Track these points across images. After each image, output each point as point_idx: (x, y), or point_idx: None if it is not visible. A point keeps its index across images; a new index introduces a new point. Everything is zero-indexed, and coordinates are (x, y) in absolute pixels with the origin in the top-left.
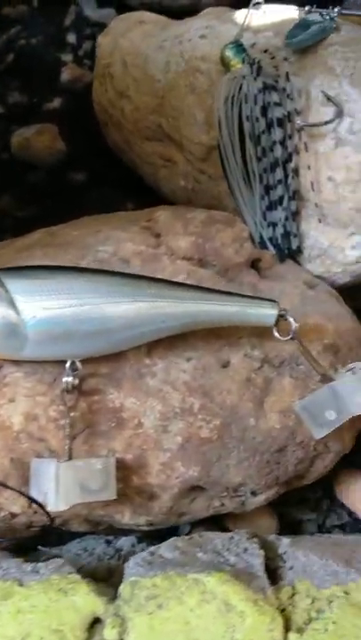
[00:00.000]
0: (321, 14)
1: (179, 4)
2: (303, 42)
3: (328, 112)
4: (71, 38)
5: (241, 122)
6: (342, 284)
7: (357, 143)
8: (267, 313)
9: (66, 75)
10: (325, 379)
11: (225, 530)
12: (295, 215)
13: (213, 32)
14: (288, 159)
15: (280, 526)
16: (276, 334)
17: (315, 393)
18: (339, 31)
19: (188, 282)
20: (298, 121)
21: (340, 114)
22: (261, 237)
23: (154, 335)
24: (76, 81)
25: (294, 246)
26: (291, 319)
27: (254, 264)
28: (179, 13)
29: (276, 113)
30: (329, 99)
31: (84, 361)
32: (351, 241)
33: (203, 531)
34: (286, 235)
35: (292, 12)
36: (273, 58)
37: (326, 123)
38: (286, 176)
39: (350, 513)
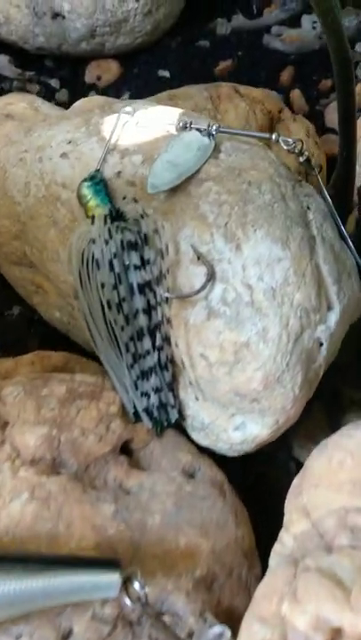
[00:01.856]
0: (199, 130)
1: (80, 49)
2: (167, 185)
3: (200, 273)
4: None
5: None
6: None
7: (231, 317)
8: (107, 582)
9: None
10: None
11: None
12: (171, 384)
13: (76, 150)
14: (155, 328)
15: None
16: (127, 601)
17: None
18: (218, 154)
19: (32, 503)
20: (161, 291)
21: (211, 277)
22: (135, 407)
23: None
24: None
25: (173, 419)
26: (137, 585)
27: (126, 444)
28: (80, 60)
29: (138, 278)
30: (199, 257)
31: None
32: (234, 422)
33: None
34: (163, 406)
35: (168, 126)
36: (136, 202)
37: (198, 291)
38: (154, 346)
39: None
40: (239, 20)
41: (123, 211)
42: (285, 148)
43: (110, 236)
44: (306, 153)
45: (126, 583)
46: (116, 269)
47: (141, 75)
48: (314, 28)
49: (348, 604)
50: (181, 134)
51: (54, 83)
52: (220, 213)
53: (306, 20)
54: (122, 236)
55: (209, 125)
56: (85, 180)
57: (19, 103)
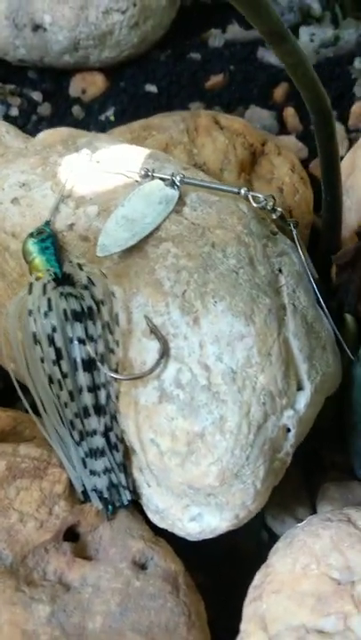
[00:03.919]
0: (162, 179)
1: (63, 62)
2: (120, 247)
3: (152, 348)
4: None
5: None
6: None
7: (185, 403)
8: None
9: None
10: None
11: None
12: (123, 464)
13: (29, 196)
14: (103, 407)
15: None
16: None
17: None
18: (182, 207)
19: None
20: (106, 371)
21: (164, 354)
22: (84, 486)
23: None
24: None
25: (125, 500)
26: None
27: (72, 529)
28: (64, 72)
29: (82, 353)
30: (152, 330)
31: None
32: (189, 512)
33: None
34: (114, 486)
35: (130, 172)
36: (82, 269)
37: (150, 371)
38: (102, 425)
39: None
40: (234, 30)
41: (70, 273)
42: (255, 205)
43: (50, 308)
44: (279, 210)
45: None
46: (57, 344)
47: (128, 89)
48: (312, 40)
49: None
50: (142, 184)
51: (36, 96)
52: (177, 281)
53: (304, 32)
54: (66, 304)
55: (173, 175)
56: (32, 234)
57: None
